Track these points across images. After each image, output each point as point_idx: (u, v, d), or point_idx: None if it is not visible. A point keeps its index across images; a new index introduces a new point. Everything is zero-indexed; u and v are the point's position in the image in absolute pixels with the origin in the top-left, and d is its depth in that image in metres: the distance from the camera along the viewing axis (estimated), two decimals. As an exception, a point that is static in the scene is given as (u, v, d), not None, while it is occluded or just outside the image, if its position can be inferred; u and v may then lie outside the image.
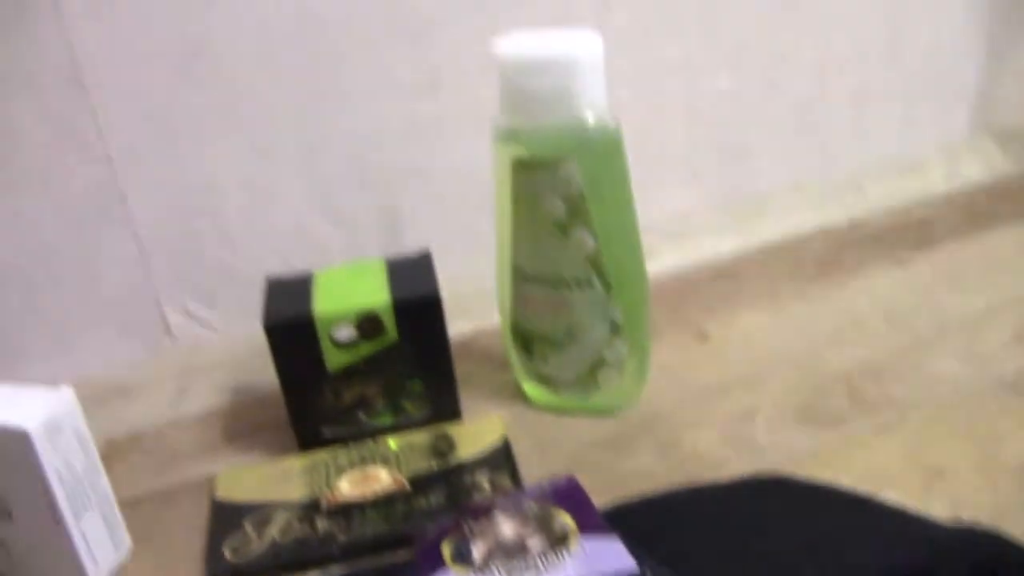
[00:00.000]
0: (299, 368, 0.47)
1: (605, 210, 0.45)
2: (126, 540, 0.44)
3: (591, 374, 0.49)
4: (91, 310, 0.57)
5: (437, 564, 0.32)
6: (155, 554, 0.43)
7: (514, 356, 0.51)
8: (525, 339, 0.49)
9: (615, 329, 0.47)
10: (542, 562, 0.31)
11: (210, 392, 0.56)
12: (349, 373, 0.47)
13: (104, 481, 0.42)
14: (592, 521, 0.33)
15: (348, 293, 0.47)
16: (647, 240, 0.48)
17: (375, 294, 0.47)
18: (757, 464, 0.44)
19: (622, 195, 0.47)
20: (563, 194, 0.44)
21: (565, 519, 0.33)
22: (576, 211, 0.45)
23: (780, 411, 0.49)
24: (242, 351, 0.58)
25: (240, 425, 0.53)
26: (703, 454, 0.46)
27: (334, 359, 0.47)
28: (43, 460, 0.39)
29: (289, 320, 0.46)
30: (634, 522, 0.33)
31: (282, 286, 0.49)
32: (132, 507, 0.46)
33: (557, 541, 0.32)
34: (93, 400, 0.55)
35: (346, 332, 0.47)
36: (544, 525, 0.33)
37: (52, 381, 0.43)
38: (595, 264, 0.46)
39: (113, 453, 0.51)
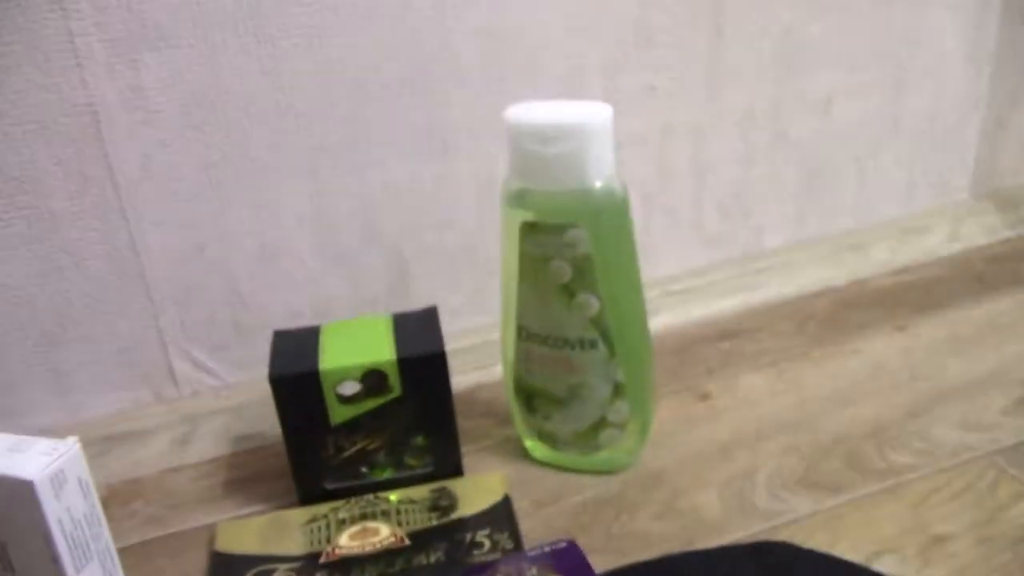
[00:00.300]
0: (303, 421, 0.47)
1: (610, 273, 0.46)
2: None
3: (593, 433, 0.49)
4: (98, 357, 0.58)
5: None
6: (154, 606, 0.43)
7: (516, 412, 0.51)
8: (528, 396, 0.50)
9: (617, 389, 0.48)
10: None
11: (213, 441, 0.56)
12: (352, 427, 0.48)
13: (106, 532, 0.43)
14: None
15: (354, 349, 0.48)
16: (650, 297, 0.49)
17: (381, 350, 0.47)
18: (756, 526, 0.44)
19: (627, 258, 0.47)
20: (569, 257, 0.45)
21: (565, 584, 0.34)
22: (582, 274, 0.45)
23: (780, 474, 0.49)
24: (246, 402, 0.58)
25: (242, 474, 0.53)
26: (703, 516, 0.46)
27: (338, 413, 0.47)
28: (46, 511, 0.39)
29: (295, 374, 0.47)
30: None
31: (289, 340, 0.50)
32: (131, 556, 0.46)
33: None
34: (96, 445, 0.55)
35: (351, 387, 0.47)
36: (543, 590, 0.33)
37: (56, 425, 0.44)
38: (599, 326, 0.46)
39: (113, 499, 0.51)
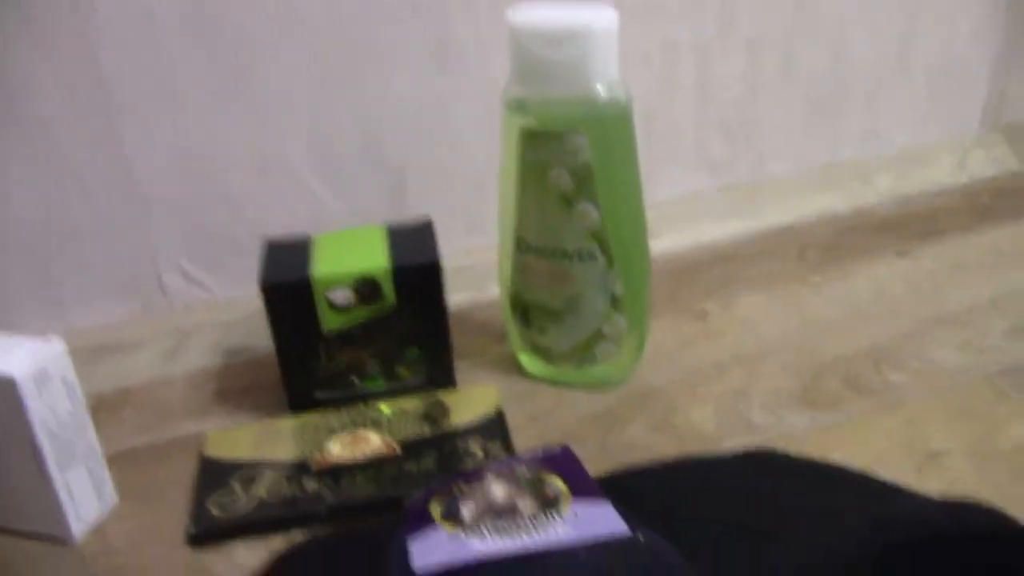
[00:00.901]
0: (294, 330, 0.46)
1: (611, 183, 0.45)
2: (112, 494, 0.43)
3: (588, 347, 0.48)
4: (88, 268, 0.57)
5: (426, 522, 0.31)
6: (140, 509, 0.43)
7: (512, 327, 0.50)
8: (524, 310, 0.49)
9: (615, 303, 0.47)
10: (532, 524, 0.30)
11: (203, 352, 0.55)
12: (344, 337, 0.47)
13: (91, 434, 0.42)
14: (585, 487, 0.33)
15: (347, 257, 0.47)
16: (651, 219, 0.48)
17: (375, 259, 0.46)
18: (751, 442, 0.44)
19: (629, 169, 0.46)
20: (570, 166, 0.44)
21: (557, 483, 0.33)
22: (582, 183, 0.44)
23: (776, 392, 0.48)
24: (237, 314, 0.57)
25: (232, 386, 0.52)
26: (698, 430, 0.46)
27: (330, 322, 0.46)
28: (29, 408, 0.38)
29: (286, 281, 0.46)
30: (626, 490, 0.33)
31: (280, 248, 0.48)
32: (119, 462, 0.45)
33: (548, 504, 0.32)
34: (85, 355, 0.54)
35: (343, 296, 0.46)
36: (536, 489, 0.33)
37: (44, 335, 0.43)
38: (598, 237, 0.45)
39: (102, 408, 0.50)
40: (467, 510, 0.32)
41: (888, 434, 0.44)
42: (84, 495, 0.41)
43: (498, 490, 0.33)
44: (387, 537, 0.31)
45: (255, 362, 0.54)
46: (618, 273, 0.46)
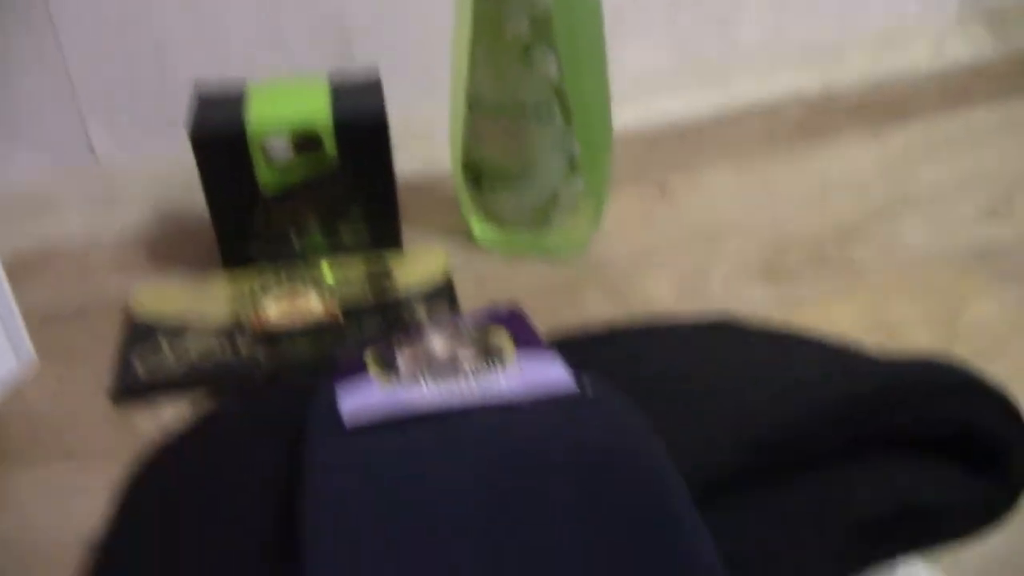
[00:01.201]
0: (228, 185, 0.43)
1: (572, 35, 0.41)
2: (29, 354, 0.40)
3: (543, 213, 0.46)
4: (7, 120, 0.52)
5: (358, 371, 0.29)
6: (61, 370, 0.40)
7: (463, 193, 0.48)
8: (476, 174, 0.46)
9: (572, 165, 0.44)
10: (473, 376, 0.28)
11: (132, 213, 0.52)
12: (283, 196, 0.44)
13: (6, 291, 0.39)
14: (532, 341, 0.31)
15: (286, 107, 0.43)
16: (615, 93, 0.45)
17: (315, 111, 0.43)
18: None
19: (592, 21, 0.43)
20: (529, 13, 0.40)
21: (501, 337, 0.31)
22: (541, 31, 0.41)
23: (739, 268, 0.46)
24: (168, 173, 0.53)
25: (162, 248, 0.49)
26: (656, 303, 0.44)
27: (267, 178, 0.43)
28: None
29: (218, 131, 0.42)
30: (576, 350, 0.30)
31: (212, 97, 0.45)
32: (40, 323, 0.42)
33: (491, 356, 0.29)
34: (5, 213, 0.51)
35: (281, 148, 0.43)
36: (479, 343, 0.31)
37: None
38: (557, 92, 0.42)
39: (23, 269, 0.47)
40: (404, 361, 0.29)
41: (851, 311, 0.43)
42: (-3, 351, 0.39)
43: (439, 342, 0.31)
44: (316, 388, 0.29)
45: (188, 224, 0.50)
46: (577, 132, 0.43)
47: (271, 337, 0.40)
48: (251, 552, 0.24)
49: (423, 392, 0.27)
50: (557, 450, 0.23)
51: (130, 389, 0.38)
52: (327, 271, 0.45)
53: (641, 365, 0.31)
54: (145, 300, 0.43)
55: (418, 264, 0.45)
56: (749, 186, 0.54)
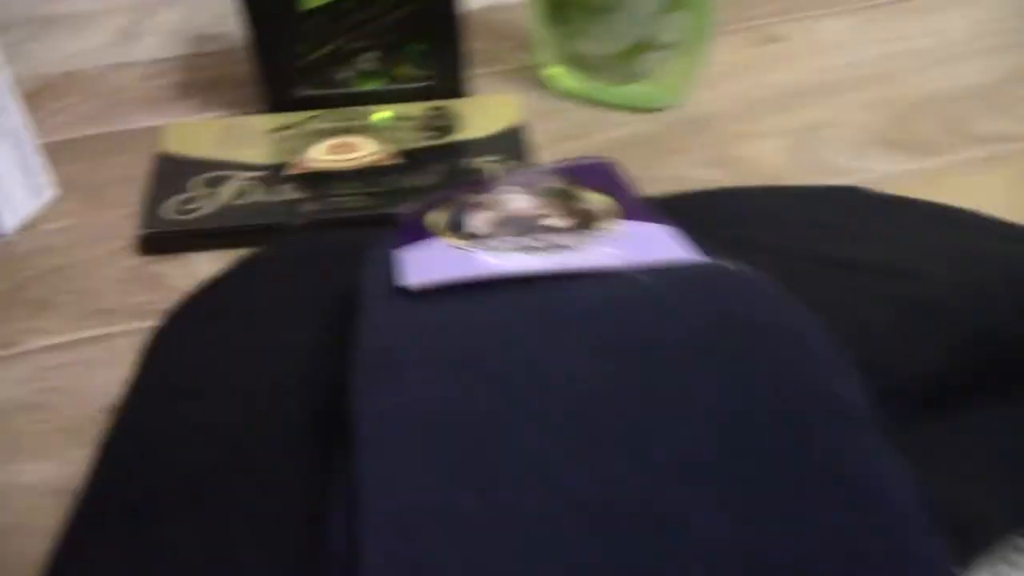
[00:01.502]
0: (269, 2, 0.37)
1: None
2: (49, 186, 0.36)
3: (634, 54, 0.39)
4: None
5: (422, 233, 0.24)
6: (84, 207, 0.36)
7: (540, 28, 0.41)
8: (557, 5, 0.39)
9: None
10: (566, 241, 0.22)
11: (166, 36, 0.46)
12: (332, 17, 0.37)
13: (15, 108, 0.34)
14: (634, 205, 0.25)
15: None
16: None
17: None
18: (826, 181, 0.36)
19: None
20: None
21: (597, 199, 0.25)
22: None
23: (859, 128, 0.39)
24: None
25: (199, 77, 0.43)
26: (763, 165, 0.37)
27: (315, -7, 0.37)
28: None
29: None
30: (683, 214, 0.25)
31: None
32: (61, 152, 0.38)
33: (586, 220, 0.24)
34: (23, 29, 0.45)
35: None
36: (568, 203, 0.25)
37: None
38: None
39: (44, 92, 0.42)
40: (478, 221, 0.24)
41: (991, 189, 0.36)
42: (12, 182, 0.34)
43: (517, 200, 0.25)
44: (372, 244, 0.23)
45: (229, 52, 0.45)
46: (687, -45, 0.36)
47: (317, 179, 0.35)
48: (291, 432, 0.20)
49: (504, 257, 0.21)
50: (694, 328, 0.18)
51: (159, 238, 0.33)
52: (382, 114, 0.39)
53: (768, 234, 0.25)
54: (176, 138, 0.38)
55: (485, 112, 0.39)
56: (872, 36, 0.46)
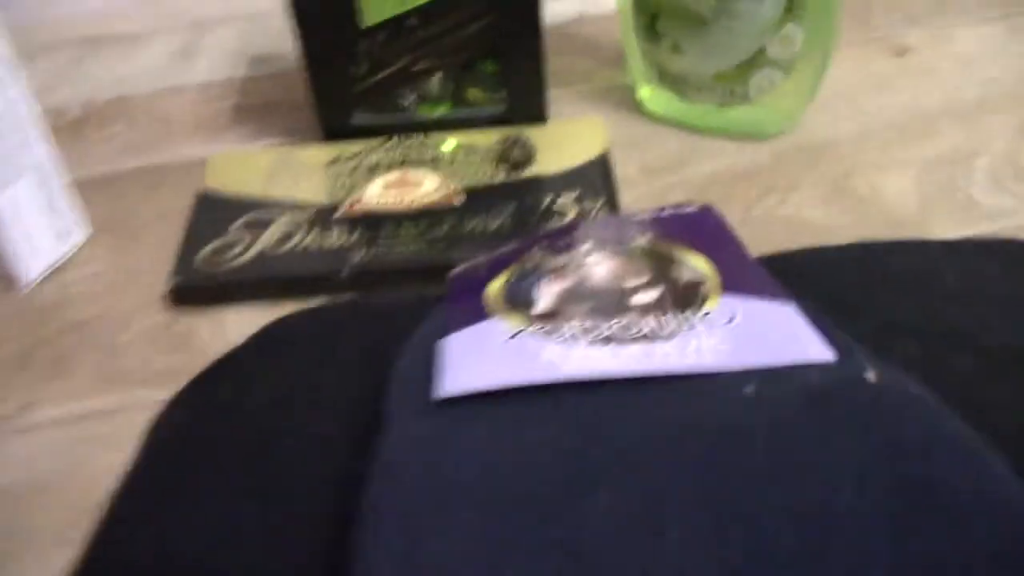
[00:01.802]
0: (324, 19, 0.33)
1: None
2: (79, 228, 0.32)
3: (742, 73, 0.33)
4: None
5: (477, 304, 0.19)
6: (115, 249, 0.32)
7: (631, 43, 0.36)
8: (652, 14, 0.34)
9: (790, 4, 0.31)
10: (656, 327, 0.17)
11: (222, 54, 0.43)
12: (394, 34, 0.33)
13: (42, 144, 0.30)
14: (744, 272, 0.20)
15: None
16: None
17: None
18: (971, 226, 0.30)
19: None
20: None
21: (696, 263, 0.20)
22: None
23: (1010, 159, 0.33)
24: (262, 9, 0.43)
25: (253, 102, 0.40)
26: (890, 205, 0.31)
27: (373, 8, 0.32)
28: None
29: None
30: (803, 279, 0.19)
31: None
32: (99, 187, 0.35)
33: (683, 296, 0.19)
34: (72, 50, 0.43)
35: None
36: (661, 270, 0.20)
37: (25, 23, 0.31)
38: None
39: (91, 118, 0.39)
40: (547, 293, 0.19)
41: None
42: (36, 225, 0.31)
43: (601, 265, 0.20)
44: (412, 318, 0.19)
45: (285, 75, 0.41)
46: (805, -43, 0.30)
47: (369, 222, 0.31)
48: (295, 531, 0.16)
49: (575, 351, 0.17)
50: (846, 491, 0.13)
51: (189, 290, 0.29)
52: (448, 144, 0.34)
53: (909, 312, 0.20)
54: (221, 172, 0.34)
55: (566, 140, 0.34)
56: (1018, 48, 0.39)
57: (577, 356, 0.16)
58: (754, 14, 0.31)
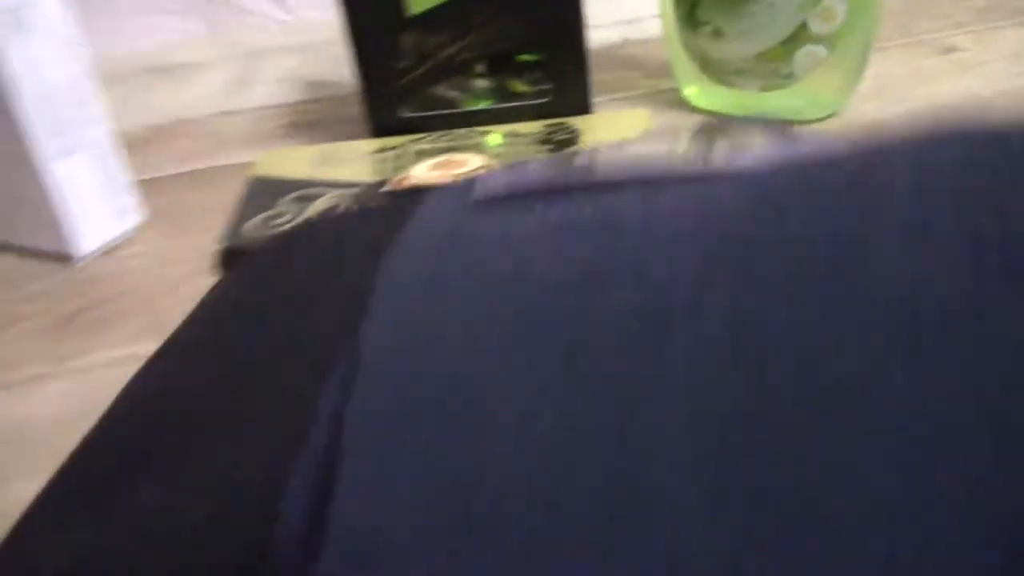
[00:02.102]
0: (373, 5, 0.34)
1: None
2: (133, 209, 0.33)
3: (786, 52, 0.33)
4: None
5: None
6: (167, 231, 0.33)
7: (675, 37, 0.36)
8: (692, 2, 0.35)
9: (831, -25, 0.32)
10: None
11: (279, 82, 0.44)
12: (439, 23, 0.34)
13: (100, 119, 0.32)
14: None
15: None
16: None
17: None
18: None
19: None
20: None
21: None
22: None
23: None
24: (317, 39, 0.45)
25: (306, 120, 0.41)
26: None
27: None
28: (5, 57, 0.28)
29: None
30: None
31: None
32: (155, 185, 0.36)
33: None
34: (138, 80, 0.45)
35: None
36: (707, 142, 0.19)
37: (100, 52, 0.34)
38: None
39: (155, 139, 0.41)
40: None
41: None
42: (92, 201, 0.31)
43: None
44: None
45: (339, 97, 0.42)
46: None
47: (416, 195, 0.31)
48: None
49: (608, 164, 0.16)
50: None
51: (234, 252, 0.30)
52: (493, 136, 0.35)
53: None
54: (271, 163, 0.35)
55: (611, 126, 0.35)
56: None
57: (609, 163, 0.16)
58: (793, -15, 0.32)
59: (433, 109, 0.36)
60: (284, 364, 0.15)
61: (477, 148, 0.34)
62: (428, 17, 0.34)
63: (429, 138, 0.35)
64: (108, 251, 0.32)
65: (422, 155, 0.34)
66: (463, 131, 0.35)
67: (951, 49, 0.40)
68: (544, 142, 0.33)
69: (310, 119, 0.41)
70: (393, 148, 0.34)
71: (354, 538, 0.11)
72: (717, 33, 0.34)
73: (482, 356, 0.12)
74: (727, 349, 0.12)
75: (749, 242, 0.13)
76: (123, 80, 0.43)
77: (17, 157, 0.29)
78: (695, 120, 0.36)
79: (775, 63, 0.34)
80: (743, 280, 0.12)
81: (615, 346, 0.12)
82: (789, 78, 0.34)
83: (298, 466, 0.12)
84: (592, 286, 0.13)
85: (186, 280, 0.30)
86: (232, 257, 0.29)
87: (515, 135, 0.34)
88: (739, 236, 0.13)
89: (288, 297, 0.17)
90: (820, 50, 0.33)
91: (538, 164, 0.17)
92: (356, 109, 0.37)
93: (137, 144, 0.40)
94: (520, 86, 0.36)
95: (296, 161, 0.34)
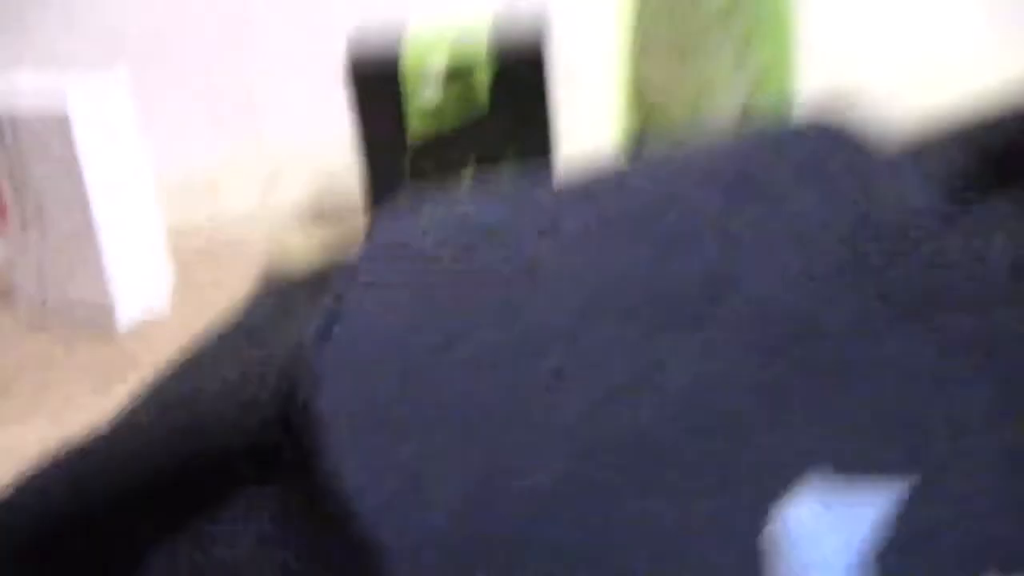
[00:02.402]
0: (380, 126, 0.41)
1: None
2: (170, 278, 0.39)
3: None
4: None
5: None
6: (189, 318, 0.38)
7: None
8: (643, 118, 0.42)
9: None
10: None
11: (292, 197, 0.50)
12: (433, 144, 0.41)
13: (150, 198, 0.37)
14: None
15: (443, 40, 0.41)
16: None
17: (471, 43, 0.40)
18: None
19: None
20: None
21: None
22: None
23: None
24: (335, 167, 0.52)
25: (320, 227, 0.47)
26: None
27: (417, 122, 0.41)
28: (78, 147, 0.34)
29: (374, 60, 0.40)
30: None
31: (372, 37, 0.43)
32: (182, 288, 0.40)
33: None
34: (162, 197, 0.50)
35: (434, 88, 0.41)
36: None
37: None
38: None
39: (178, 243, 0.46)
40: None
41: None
42: (138, 275, 0.37)
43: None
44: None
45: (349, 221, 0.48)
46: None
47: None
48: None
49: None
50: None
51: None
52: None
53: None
54: (285, 253, 0.41)
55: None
56: None
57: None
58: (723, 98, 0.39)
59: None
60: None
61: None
62: (426, 145, 0.41)
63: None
64: (148, 323, 0.37)
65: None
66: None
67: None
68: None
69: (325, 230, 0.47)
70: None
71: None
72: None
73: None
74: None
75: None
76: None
77: (82, 224, 0.35)
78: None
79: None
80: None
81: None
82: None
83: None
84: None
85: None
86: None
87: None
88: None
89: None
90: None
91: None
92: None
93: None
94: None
95: (307, 253, 0.40)
